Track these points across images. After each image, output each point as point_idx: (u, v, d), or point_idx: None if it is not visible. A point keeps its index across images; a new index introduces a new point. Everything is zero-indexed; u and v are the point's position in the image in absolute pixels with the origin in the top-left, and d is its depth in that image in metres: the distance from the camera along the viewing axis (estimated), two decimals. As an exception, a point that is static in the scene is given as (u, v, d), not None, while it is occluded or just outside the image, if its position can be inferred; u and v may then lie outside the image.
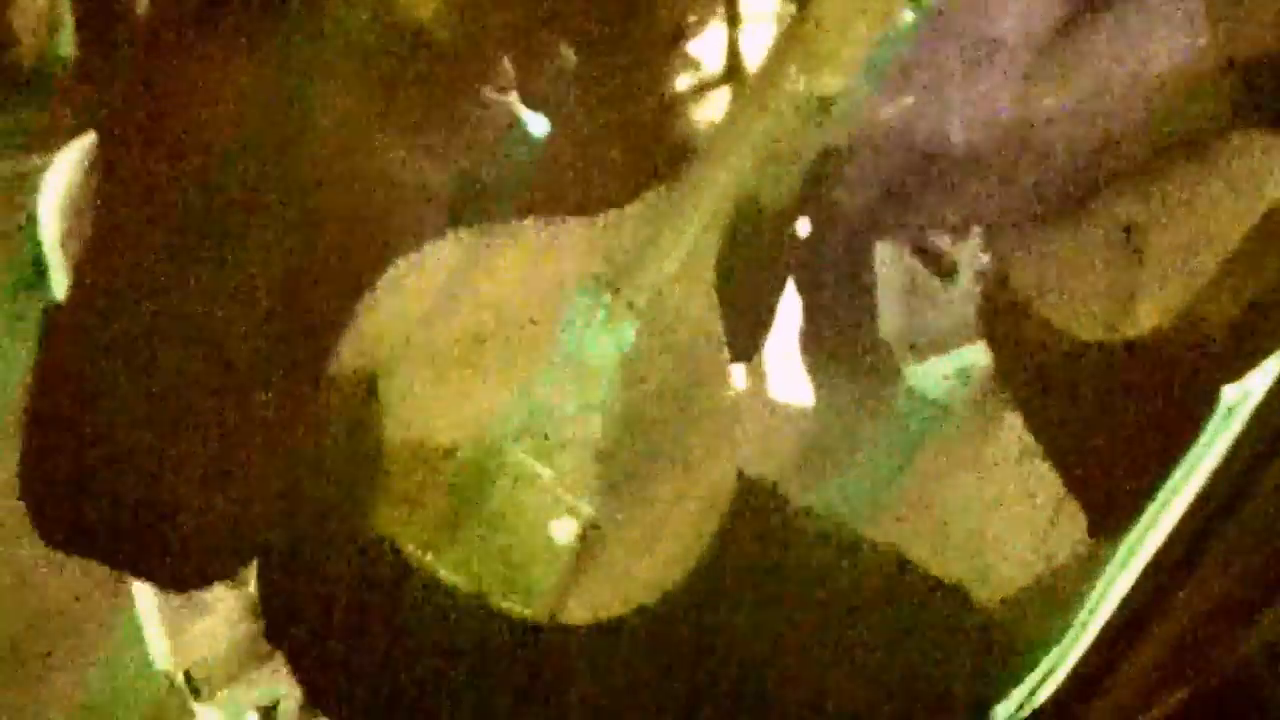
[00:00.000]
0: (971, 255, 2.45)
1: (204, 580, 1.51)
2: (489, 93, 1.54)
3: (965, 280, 2.47)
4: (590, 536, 1.46)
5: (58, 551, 1.45)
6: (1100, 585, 1.31)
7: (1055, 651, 1.31)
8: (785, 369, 2.66)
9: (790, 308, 1.83)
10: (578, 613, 1.46)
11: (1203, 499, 1.27)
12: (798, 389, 2.71)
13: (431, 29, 1.49)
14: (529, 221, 1.48)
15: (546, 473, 1.45)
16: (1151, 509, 1.30)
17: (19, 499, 1.41)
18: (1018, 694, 1.34)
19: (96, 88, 3.00)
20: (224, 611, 1.70)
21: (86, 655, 2.51)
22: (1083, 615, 1.30)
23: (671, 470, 1.49)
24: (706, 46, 1.62)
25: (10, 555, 2.46)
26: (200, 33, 1.42)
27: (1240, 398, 1.29)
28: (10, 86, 3.46)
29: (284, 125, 1.41)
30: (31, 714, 2.43)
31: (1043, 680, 1.33)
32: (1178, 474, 1.29)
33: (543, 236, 1.48)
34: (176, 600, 1.67)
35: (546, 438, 1.45)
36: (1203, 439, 1.29)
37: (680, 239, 1.46)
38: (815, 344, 2.63)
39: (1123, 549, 1.30)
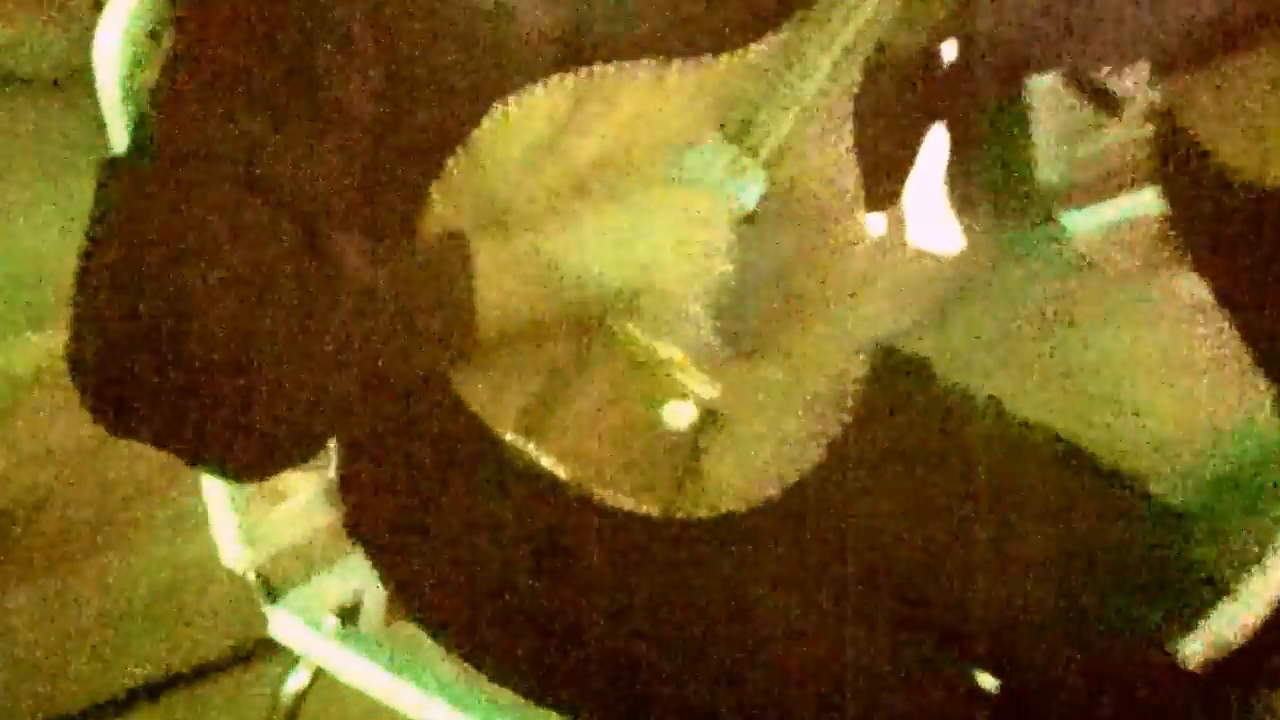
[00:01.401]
0: (1140, 89, 2.33)
1: (276, 465, 1.39)
2: None
3: (1132, 118, 2.34)
4: (710, 421, 1.39)
5: (113, 435, 1.34)
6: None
7: (1253, 576, 1.18)
8: (927, 215, 2.55)
9: (934, 147, 1.70)
10: (695, 507, 1.39)
11: None
12: (941, 236, 2.60)
13: None
14: (643, 62, 1.37)
15: (661, 349, 1.37)
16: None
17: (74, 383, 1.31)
18: (1208, 629, 1.21)
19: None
20: (299, 501, 1.66)
21: (148, 547, 2.47)
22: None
23: (801, 341, 1.42)
24: None
25: (67, 435, 2.51)
26: None
27: None
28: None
29: None
30: (87, 610, 2.38)
31: (1236, 611, 1.20)
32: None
33: (659, 79, 1.39)
34: (247, 488, 1.60)
35: (661, 308, 1.37)
36: None
37: (811, 80, 1.38)
38: (962, 188, 2.55)
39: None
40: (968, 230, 2.45)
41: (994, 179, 2.54)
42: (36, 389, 2.77)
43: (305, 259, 1.30)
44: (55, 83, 3.70)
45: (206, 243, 1.29)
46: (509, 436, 1.36)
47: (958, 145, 2.10)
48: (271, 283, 1.28)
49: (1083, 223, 2.47)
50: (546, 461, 1.37)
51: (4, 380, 2.84)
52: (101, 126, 1.47)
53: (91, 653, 2.33)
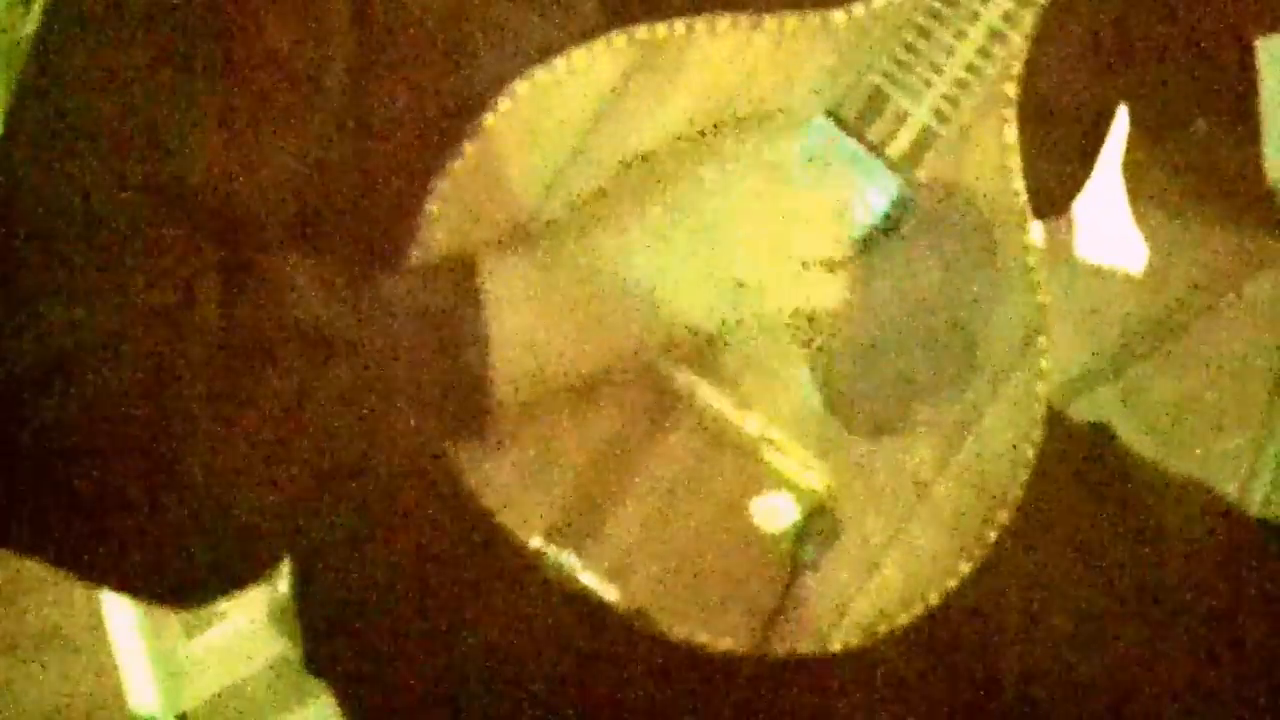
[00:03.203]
0: None
1: (211, 588, 1.19)
2: None
3: None
4: (820, 521, 1.19)
5: None
6: None
7: None
8: (1102, 219, 2.33)
9: (1114, 132, 1.50)
10: (795, 643, 1.21)
11: None
12: (1122, 249, 2.38)
13: None
14: (724, 16, 1.21)
15: (751, 420, 1.19)
16: None
17: None
18: None
19: None
20: (242, 628, 1.51)
21: (21, 679, 2.24)
22: None
23: (956, 405, 1.25)
24: None
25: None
26: None
27: None
28: None
29: None
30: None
31: None
32: None
33: (746, 41, 1.22)
34: (169, 614, 1.45)
35: (752, 361, 1.20)
36: None
37: (964, 42, 1.21)
38: (1152, 184, 2.37)
39: None
40: (1158, 240, 2.23)
41: (1200, 172, 2.28)
42: None
43: (234, 292, 1.12)
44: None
45: (88, 270, 1.12)
46: (537, 544, 1.18)
47: (1147, 127, 1.93)
48: (185, 328, 1.11)
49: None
50: (589, 579, 1.19)
51: None
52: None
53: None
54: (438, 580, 1.29)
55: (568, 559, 1.20)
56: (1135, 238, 2.15)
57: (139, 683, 1.44)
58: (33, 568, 1.20)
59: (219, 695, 1.48)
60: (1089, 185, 1.52)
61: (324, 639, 1.42)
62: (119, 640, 1.46)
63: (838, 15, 1.24)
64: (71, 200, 1.15)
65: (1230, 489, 1.44)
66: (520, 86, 1.18)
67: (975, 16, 1.22)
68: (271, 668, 1.50)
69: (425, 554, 1.28)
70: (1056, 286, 1.54)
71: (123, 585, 1.27)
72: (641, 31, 1.20)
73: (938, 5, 1.24)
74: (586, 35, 1.21)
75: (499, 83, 1.18)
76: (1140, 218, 2.19)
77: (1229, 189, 2.22)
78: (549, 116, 1.20)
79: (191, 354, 1.12)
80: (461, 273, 1.16)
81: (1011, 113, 1.25)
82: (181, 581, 1.19)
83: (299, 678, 1.45)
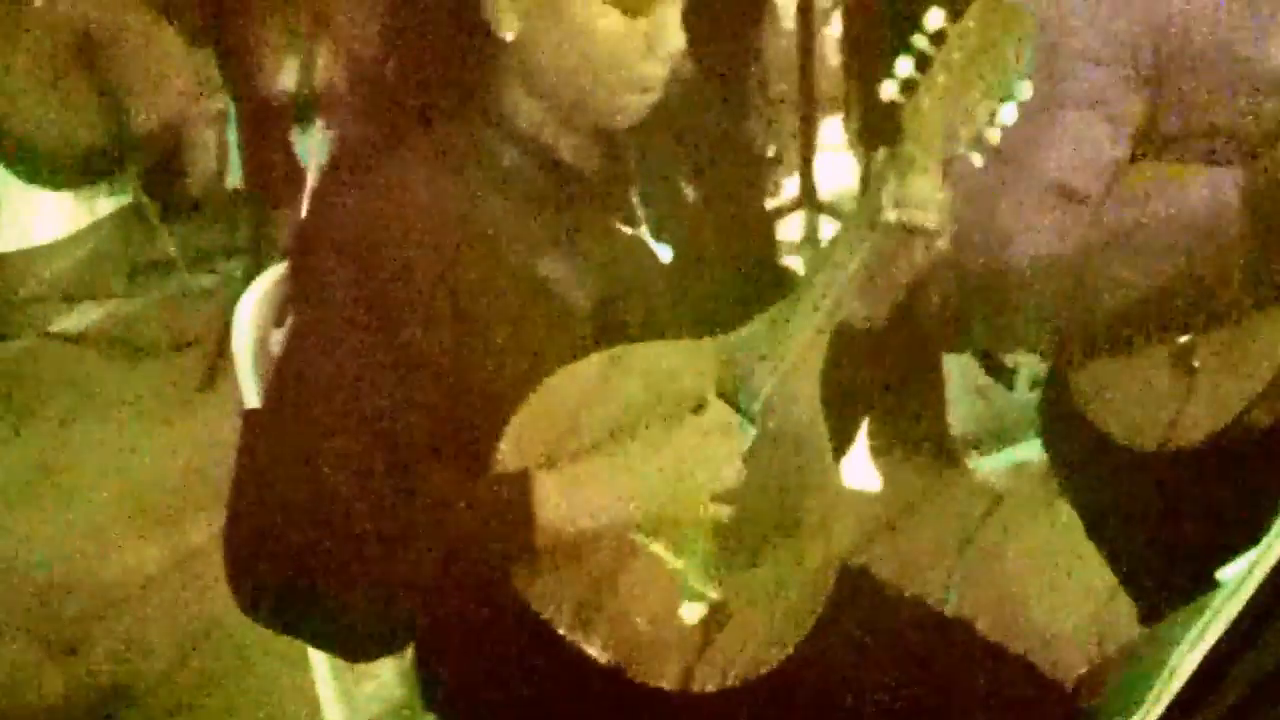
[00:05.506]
0: (1030, 364, 2.74)
1: (376, 653, 1.69)
2: (622, 226, 1.76)
3: (1023, 386, 2.75)
4: (717, 616, 1.67)
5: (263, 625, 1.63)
6: (1160, 675, 1.48)
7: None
8: (858, 463, 2.96)
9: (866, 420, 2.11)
10: (705, 681, 1.67)
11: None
12: (866, 477, 3.03)
13: (577, 164, 1.72)
14: (659, 343, 1.70)
15: (678, 563, 1.66)
16: (1210, 603, 1.46)
17: (228, 580, 1.59)
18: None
19: (263, 212, 3.68)
20: (386, 677, 1.94)
21: (263, 708, 2.80)
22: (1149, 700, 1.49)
23: (786, 555, 1.70)
24: (789, 176, 1.87)
25: (200, 611, 2.87)
26: (387, 162, 1.65)
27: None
28: (183, 212, 4.09)
29: (456, 241, 1.62)
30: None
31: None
32: (1235, 573, 1.46)
33: (672, 354, 1.69)
34: (347, 669, 1.89)
35: (675, 530, 1.65)
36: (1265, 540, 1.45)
37: (789, 355, 1.67)
38: (887, 437, 2.99)
39: (1181, 646, 1.47)
40: (889, 471, 2.91)
41: (914, 431, 2.95)
42: (149, 588, 3.15)
43: (394, 492, 1.56)
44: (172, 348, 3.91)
45: (316, 476, 1.56)
46: (564, 630, 1.63)
47: (885, 404, 2.49)
48: (365, 510, 1.55)
49: (989, 463, 2.91)
50: (591, 649, 1.64)
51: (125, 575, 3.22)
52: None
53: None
54: (500, 645, 1.70)
55: (576, 635, 1.61)
56: (873, 474, 2.87)
57: (330, 704, 1.86)
58: (273, 638, 1.64)
59: (374, 717, 1.89)
60: (853, 445, 1.97)
61: (430, 684, 1.85)
62: (319, 678, 1.89)
63: (721, 337, 1.64)
64: (305, 435, 1.54)
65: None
66: (550, 380, 1.61)
67: (798, 333, 1.61)
68: (403, 701, 1.91)
69: (494, 634, 1.69)
70: (847, 494, 2.02)
71: (326, 647, 1.73)
72: (615, 351, 1.63)
73: (778, 327, 1.62)
74: (583, 341, 1.63)
75: (538, 367, 1.60)
76: (874, 461, 2.92)
77: (928, 441, 2.96)
78: (561, 402, 1.62)
79: (367, 521, 1.52)
80: (523, 481, 1.58)
81: (815, 387, 1.66)
82: (356, 648, 1.63)
83: (417, 706, 1.87)
